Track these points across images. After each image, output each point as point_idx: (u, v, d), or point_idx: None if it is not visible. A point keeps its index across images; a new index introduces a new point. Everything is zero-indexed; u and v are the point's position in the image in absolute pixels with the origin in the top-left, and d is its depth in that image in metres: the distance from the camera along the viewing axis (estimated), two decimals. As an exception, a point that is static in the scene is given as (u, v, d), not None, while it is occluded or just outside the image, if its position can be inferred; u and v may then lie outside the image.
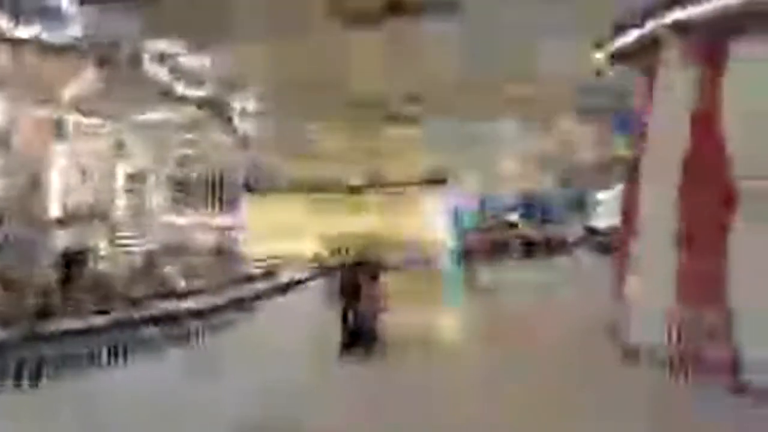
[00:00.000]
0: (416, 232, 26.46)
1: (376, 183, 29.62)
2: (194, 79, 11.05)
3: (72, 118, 10.83)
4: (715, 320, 6.85)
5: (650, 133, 8.61)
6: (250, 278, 17.43)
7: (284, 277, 19.11)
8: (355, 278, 9.16)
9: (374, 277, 9.32)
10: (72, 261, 10.59)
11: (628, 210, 9.02)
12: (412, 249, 25.30)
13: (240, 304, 13.13)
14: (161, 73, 10.31)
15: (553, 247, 26.74)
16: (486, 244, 26.49)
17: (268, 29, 12.43)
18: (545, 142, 24.65)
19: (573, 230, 27.69)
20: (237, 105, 17.52)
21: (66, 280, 10.33)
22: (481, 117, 21.95)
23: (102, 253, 11.94)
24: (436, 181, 28.36)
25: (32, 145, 10.20)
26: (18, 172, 10.22)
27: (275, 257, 21.92)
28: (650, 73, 8.74)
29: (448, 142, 24.52)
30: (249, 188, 23.48)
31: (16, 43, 8.63)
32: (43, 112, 10.28)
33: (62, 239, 10.75)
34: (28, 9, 8.64)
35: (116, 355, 8.89)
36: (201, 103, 11.66)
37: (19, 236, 9.72)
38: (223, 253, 19.13)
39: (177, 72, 10.50)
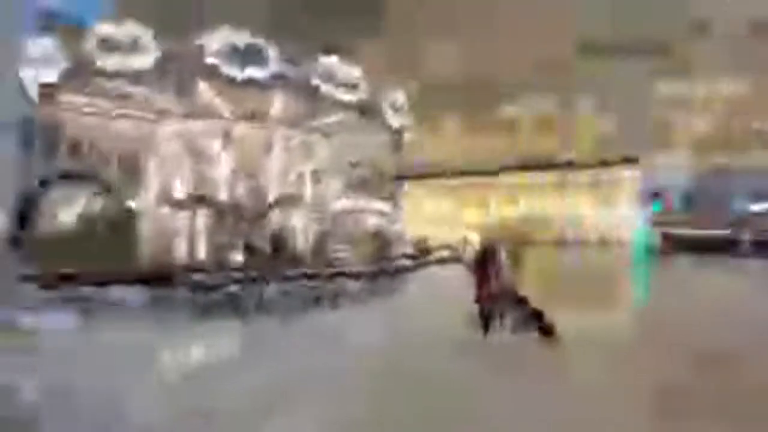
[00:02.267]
0: (592, 221, 24.00)
1: (534, 165, 27.96)
2: (350, 85, 14.10)
3: (277, 132, 14.81)
4: None
5: None
6: (405, 256, 20.30)
7: (434, 256, 21.56)
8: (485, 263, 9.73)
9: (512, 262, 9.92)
10: (278, 238, 14.61)
11: None
12: (576, 238, 23.14)
13: (394, 275, 16.00)
14: (326, 86, 13.62)
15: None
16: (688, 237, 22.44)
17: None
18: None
19: None
20: (388, 103, 20.32)
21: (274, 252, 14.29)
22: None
23: (297, 232, 15.80)
24: (627, 159, 24.42)
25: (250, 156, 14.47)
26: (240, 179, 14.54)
27: (426, 239, 24.12)
28: None
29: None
30: (403, 177, 26.24)
31: (238, 83, 12.56)
32: (256, 130, 14.37)
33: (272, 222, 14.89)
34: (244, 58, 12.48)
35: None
36: (358, 107, 14.72)
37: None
38: (384, 234, 22.27)
39: (336, 82, 13.71)
